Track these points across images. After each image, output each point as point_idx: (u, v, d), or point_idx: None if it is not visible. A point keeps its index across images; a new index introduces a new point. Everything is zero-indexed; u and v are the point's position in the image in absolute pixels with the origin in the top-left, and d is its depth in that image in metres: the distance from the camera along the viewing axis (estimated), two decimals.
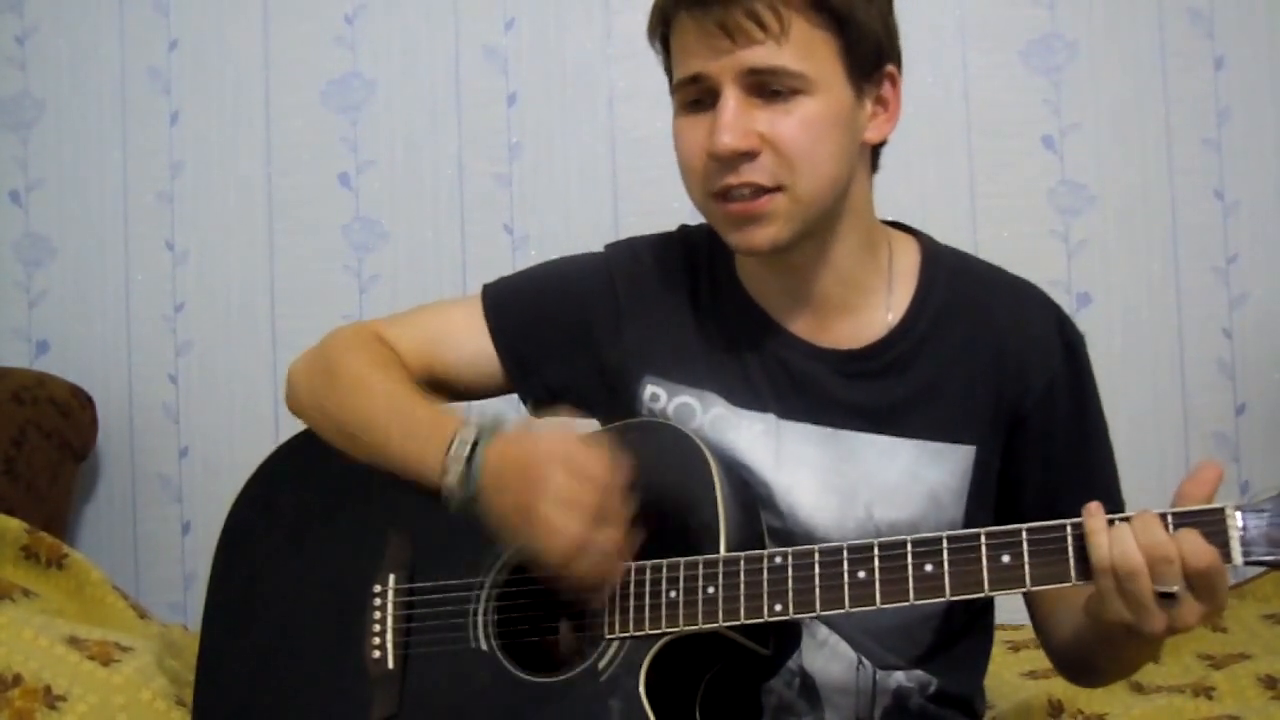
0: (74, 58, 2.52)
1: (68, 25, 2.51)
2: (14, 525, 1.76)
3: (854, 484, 1.22)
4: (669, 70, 1.23)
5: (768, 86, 1.14)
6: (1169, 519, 0.99)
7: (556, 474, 1.08)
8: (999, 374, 1.24)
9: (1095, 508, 1.02)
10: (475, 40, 2.44)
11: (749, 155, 1.14)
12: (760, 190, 1.15)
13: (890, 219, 1.32)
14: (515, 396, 1.36)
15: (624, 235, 1.39)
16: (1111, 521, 1.01)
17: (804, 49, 1.13)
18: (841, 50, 1.15)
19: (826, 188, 1.17)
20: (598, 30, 2.41)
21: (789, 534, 1.22)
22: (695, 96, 1.17)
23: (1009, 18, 2.33)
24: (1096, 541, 1.00)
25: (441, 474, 1.16)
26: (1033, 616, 1.31)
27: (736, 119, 1.13)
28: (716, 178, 1.16)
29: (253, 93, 2.48)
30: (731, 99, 1.14)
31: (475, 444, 1.15)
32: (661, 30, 1.21)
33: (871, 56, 1.17)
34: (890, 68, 1.20)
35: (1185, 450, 2.31)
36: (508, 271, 1.41)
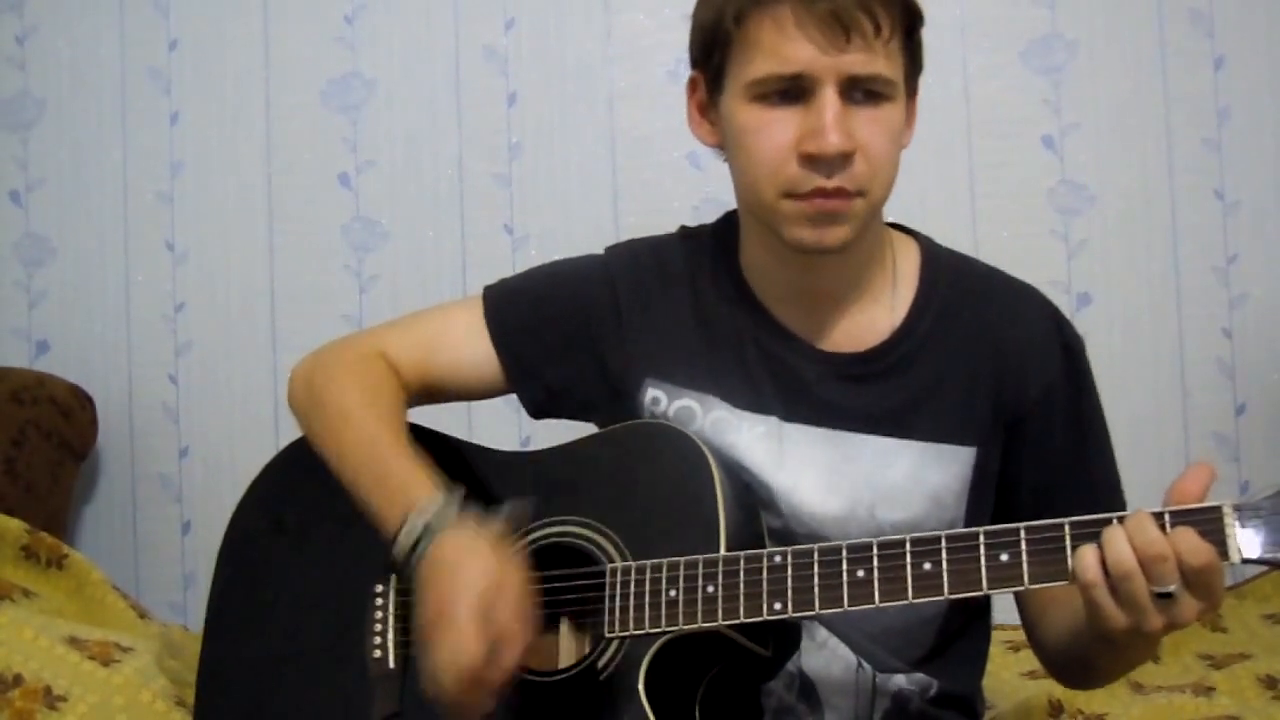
0: (74, 58, 2.52)
1: (68, 25, 2.51)
2: (14, 525, 1.76)
3: (857, 486, 1.22)
4: (717, 55, 1.18)
5: (865, 91, 1.13)
6: (1165, 518, 0.99)
7: (467, 618, 1.06)
8: (998, 376, 1.24)
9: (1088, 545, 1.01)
10: (475, 40, 2.44)
11: (846, 158, 1.13)
12: (847, 194, 1.14)
13: (890, 220, 1.32)
14: (515, 397, 1.36)
15: (624, 235, 1.39)
16: (1109, 525, 1.00)
17: (894, 56, 1.14)
18: (907, 61, 1.17)
19: (889, 193, 1.19)
20: (598, 30, 2.41)
21: (792, 535, 1.22)
22: (777, 89, 1.14)
23: (1009, 18, 2.33)
24: (1083, 551, 0.99)
25: (391, 542, 1.16)
26: (1024, 619, 1.30)
27: (842, 120, 1.12)
28: (804, 178, 1.14)
29: (253, 93, 2.48)
30: (834, 99, 1.12)
31: (424, 532, 1.13)
32: (736, 17, 1.15)
33: (917, 69, 1.20)
34: (917, 81, 1.22)
35: (1185, 450, 2.30)
36: (508, 272, 1.41)
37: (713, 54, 1.19)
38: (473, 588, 1.07)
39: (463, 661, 1.05)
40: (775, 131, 1.14)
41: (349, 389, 1.29)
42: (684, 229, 1.37)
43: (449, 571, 1.09)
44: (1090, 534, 1.01)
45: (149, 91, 2.50)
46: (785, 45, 1.12)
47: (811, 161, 1.13)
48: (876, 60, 1.12)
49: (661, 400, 1.28)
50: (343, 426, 1.26)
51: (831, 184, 1.13)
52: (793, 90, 1.13)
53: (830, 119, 1.11)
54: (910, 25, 1.16)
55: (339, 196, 2.46)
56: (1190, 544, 0.96)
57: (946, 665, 1.26)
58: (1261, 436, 2.30)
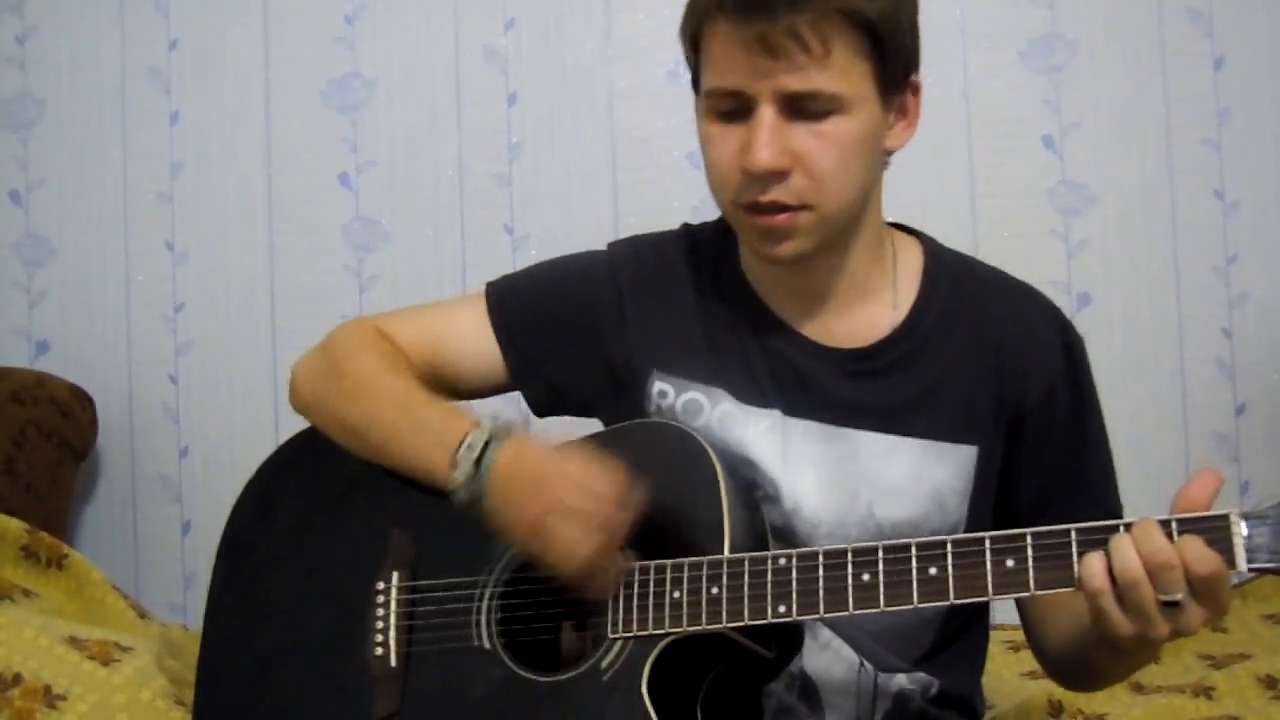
0: (74, 58, 2.51)
1: (68, 25, 2.51)
2: (14, 525, 1.76)
3: (856, 482, 1.22)
4: (694, 68, 1.21)
5: (804, 107, 1.13)
6: (1172, 526, 0.99)
7: (568, 490, 1.10)
8: (1000, 376, 1.24)
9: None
10: (475, 40, 2.44)
11: (780, 175, 1.14)
12: (786, 208, 1.15)
13: (891, 219, 1.32)
14: (517, 396, 1.36)
15: (624, 235, 1.39)
16: (1115, 532, 1.00)
17: (841, 69, 1.12)
18: (875, 69, 1.14)
19: (851, 203, 1.18)
20: (598, 30, 2.41)
21: (791, 531, 1.22)
22: (728, 107, 1.16)
23: (1009, 18, 2.33)
24: (1090, 559, 0.99)
25: (449, 470, 1.17)
26: (1025, 622, 1.30)
27: (773, 138, 1.13)
28: (746, 191, 1.16)
29: (253, 93, 2.48)
30: (768, 116, 1.13)
31: (486, 446, 1.16)
32: (693, 31, 1.18)
33: (899, 68, 1.17)
34: (914, 77, 1.21)
35: (1185, 450, 2.31)
36: (508, 271, 1.41)
37: (691, 64, 1.22)
38: (559, 470, 1.11)
39: (595, 524, 1.09)
40: (723, 144, 1.17)
41: (368, 359, 1.29)
42: (686, 226, 1.37)
43: (529, 467, 1.13)
44: (1097, 540, 1.00)
45: (149, 91, 2.50)
46: (725, 62, 1.14)
47: (749, 176, 1.14)
48: (814, 77, 1.11)
49: (669, 393, 1.28)
50: (369, 390, 1.27)
51: (767, 198, 1.15)
52: (739, 106, 1.15)
53: (761, 137, 1.12)
54: (871, 32, 1.12)
55: (339, 196, 2.46)
56: (1197, 553, 0.96)
57: (947, 664, 1.26)
58: (1261, 436, 2.30)
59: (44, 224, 2.52)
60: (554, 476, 1.11)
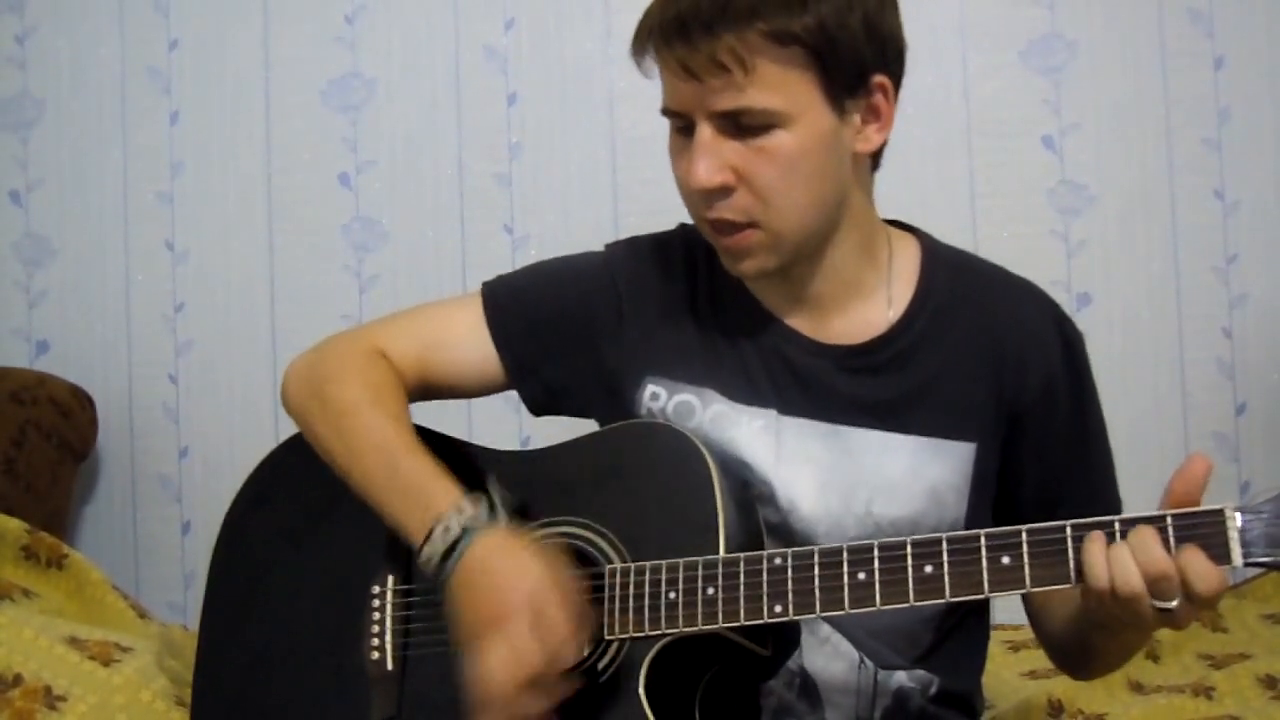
0: (74, 58, 2.51)
1: (68, 25, 2.51)
2: (14, 525, 1.76)
3: (853, 480, 1.22)
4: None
5: (740, 123, 1.13)
6: (1169, 525, 0.99)
7: (520, 618, 1.07)
8: (998, 371, 1.24)
9: (1096, 535, 1.01)
10: (475, 40, 2.44)
11: (724, 191, 1.15)
12: (735, 226, 1.16)
13: (890, 218, 1.32)
14: (515, 395, 1.36)
15: (624, 235, 1.39)
16: (1111, 528, 1.01)
17: (773, 84, 1.11)
18: (818, 76, 1.13)
19: (805, 218, 1.17)
20: (598, 30, 2.41)
21: (788, 530, 1.22)
22: (680, 125, 1.18)
23: (1009, 18, 2.33)
24: (1093, 563, 1.00)
25: (421, 543, 1.15)
26: (1028, 611, 1.32)
27: (709, 156, 1.14)
28: (701, 207, 1.18)
29: (253, 93, 2.48)
30: (705, 135, 1.14)
31: (461, 536, 1.13)
32: (639, 55, 1.20)
33: (853, 73, 1.15)
34: (879, 78, 1.17)
35: (1185, 450, 2.30)
36: (507, 271, 1.40)
37: None
38: (524, 591, 1.08)
39: (524, 664, 1.06)
40: (680, 161, 1.19)
41: (352, 385, 1.27)
42: (684, 226, 1.37)
43: (496, 575, 1.10)
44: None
45: (149, 91, 2.50)
46: (666, 85, 1.17)
47: (698, 193, 1.16)
48: (742, 95, 1.11)
49: (661, 396, 1.28)
50: (350, 425, 1.25)
51: (714, 215, 1.16)
52: (685, 124, 1.16)
53: (697, 155, 1.14)
54: (803, 45, 1.11)
55: (339, 196, 2.46)
56: (1200, 569, 0.97)
57: (947, 661, 1.26)
58: (1261, 436, 2.30)
59: (44, 224, 2.52)
60: (513, 596, 1.08)
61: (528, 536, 1.14)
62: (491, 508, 1.16)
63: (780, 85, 1.12)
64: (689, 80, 1.12)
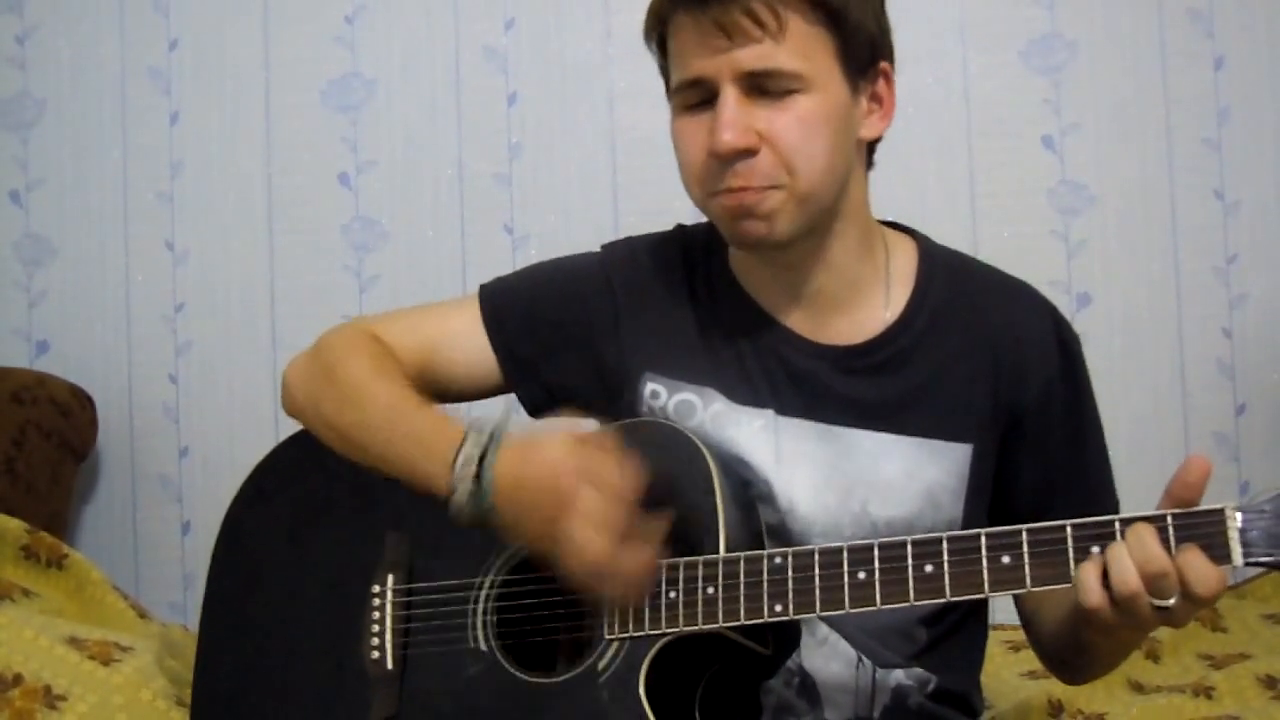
0: (74, 58, 2.52)
1: (68, 25, 2.51)
2: (14, 525, 1.76)
3: (850, 481, 1.22)
4: (665, 72, 1.23)
5: (765, 86, 1.14)
6: (1169, 525, 0.99)
7: (584, 491, 1.07)
8: (996, 373, 1.24)
9: (1092, 561, 1.01)
10: (475, 40, 2.44)
11: (749, 153, 1.15)
12: (757, 190, 1.16)
13: (889, 219, 1.32)
14: (513, 396, 1.36)
15: (624, 235, 1.39)
16: (1111, 527, 1.01)
17: (801, 48, 1.14)
18: (837, 48, 1.16)
19: (825, 183, 1.18)
20: (598, 30, 2.41)
21: (786, 531, 1.22)
22: (695, 99, 1.18)
23: (1009, 18, 2.33)
24: (1086, 579, 1.00)
25: (449, 489, 1.13)
26: (1021, 614, 1.32)
27: (736, 117, 1.14)
28: (717, 178, 1.17)
29: (253, 93, 2.48)
30: (730, 97, 1.14)
31: (483, 456, 1.12)
32: (658, 32, 1.21)
33: (866, 53, 1.18)
34: (884, 64, 1.21)
35: (1185, 450, 2.30)
36: (508, 272, 1.40)
37: (662, 70, 1.24)
38: (569, 467, 1.07)
39: (607, 524, 1.06)
40: (692, 136, 1.19)
41: (360, 363, 1.27)
42: (681, 226, 1.37)
43: (536, 466, 1.09)
44: (1092, 536, 1.01)
45: (149, 91, 2.50)
46: (686, 54, 1.17)
47: (719, 159, 1.16)
48: (772, 54, 1.13)
49: (661, 394, 1.28)
50: (361, 397, 1.24)
51: (736, 183, 1.16)
52: (705, 96, 1.17)
53: (724, 117, 1.14)
54: (829, 10, 1.14)
55: (339, 196, 2.46)
56: (1200, 571, 0.97)
57: (944, 660, 1.26)
58: (1261, 436, 2.30)
59: (44, 224, 2.52)
60: (563, 479, 1.07)
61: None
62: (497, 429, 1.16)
63: (807, 51, 1.14)
64: (720, 37, 1.13)
